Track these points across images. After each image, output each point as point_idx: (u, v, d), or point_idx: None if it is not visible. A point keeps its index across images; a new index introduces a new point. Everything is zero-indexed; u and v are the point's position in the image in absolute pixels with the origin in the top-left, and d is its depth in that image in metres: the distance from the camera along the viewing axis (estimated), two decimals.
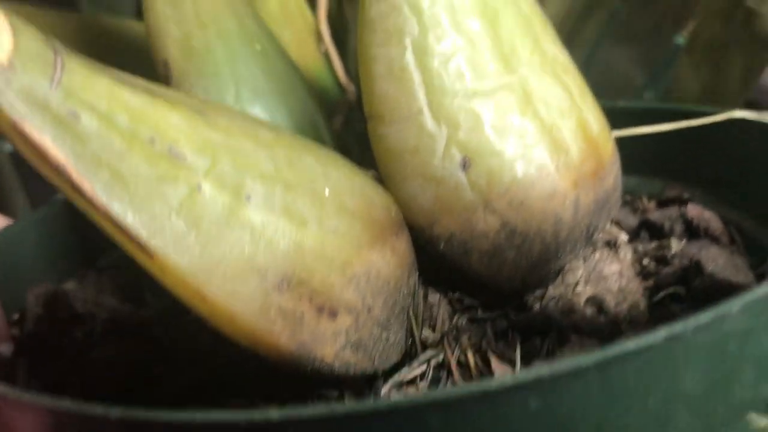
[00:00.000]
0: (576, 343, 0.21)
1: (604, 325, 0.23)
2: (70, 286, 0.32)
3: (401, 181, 0.23)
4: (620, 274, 0.25)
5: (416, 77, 0.22)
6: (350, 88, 0.33)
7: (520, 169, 0.22)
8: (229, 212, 0.17)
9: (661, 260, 0.27)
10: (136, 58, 0.33)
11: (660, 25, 0.45)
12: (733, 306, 0.15)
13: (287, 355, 0.18)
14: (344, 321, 0.19)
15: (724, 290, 0.23)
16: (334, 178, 0.20)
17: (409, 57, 0.22)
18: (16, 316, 0.29)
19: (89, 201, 0.15)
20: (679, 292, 0.24)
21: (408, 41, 0.22)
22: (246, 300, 0.17)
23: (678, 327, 0.14)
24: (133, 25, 0.35)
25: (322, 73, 0.34)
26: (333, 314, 0.19)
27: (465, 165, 0.22)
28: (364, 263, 0.20)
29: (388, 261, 0.20)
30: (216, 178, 0.17)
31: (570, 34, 0.46)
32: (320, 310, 0.19)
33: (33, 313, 0.28)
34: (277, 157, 0.19)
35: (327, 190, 0.19)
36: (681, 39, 0.45)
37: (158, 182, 0.16)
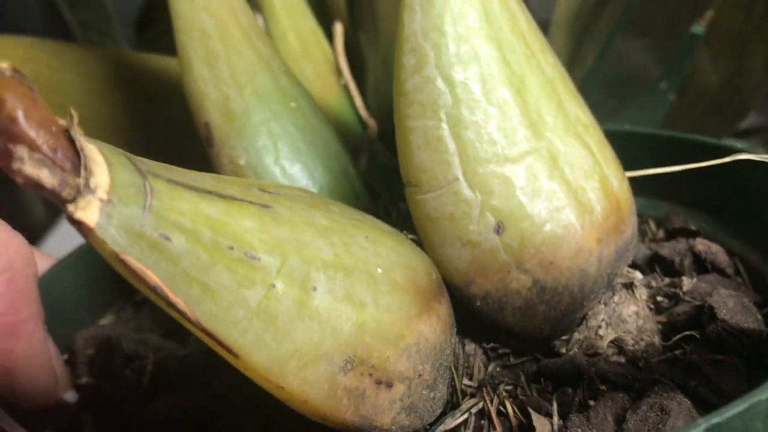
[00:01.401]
0: (608, 398, 0.23)
1: (627, 371, 0.24)
2: (107, 321, 0.34)
3: (439, 245, 0.24)
4: (637, 314, 0.27)
5: (451, 147, 0.24)
6: (371, 122, 0.35)
7: (549, 231, 0.24)
8: (300, 305, 0.19)
9: (674, 297, 0.28)
10: (166, 96, 0.35)
11: (676, 15, 0.45)
12: (762, 394, 0.17)
13: (351, 427, 0.20)
14: (399, 390, 0.21)
15: (736, 336, 0.25)
16: (383, 255, 0.22)
17: (444, 128, 0.24)
18: (64, 356, 0.31)
19: (183, 315, 0.17)
20: (693, 335, 0.26)
21: (443, 113, 0.24)
22: (316, 384, 0.19)
23: (715, 418, 0.16)
24: (156, 60, 0.36)
25: (343, 106, 0.35)
26: (389, 385, 0.21)
27: (499, 229, 0.24)
28: (414, 334, 0.21)
29: (434, 328, 0.22)
30: (286, 274, 0.19)
31: (585, 26, 0.45)
32: (378, 383, 0.20)
33: (83, 356, 0.30)
34: (335, 243, 0.20)
35: (379, 270, 0.21)
36: (699, 29, 0.44)
37: (238, 287, 0.18)
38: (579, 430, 0.22)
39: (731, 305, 0.26)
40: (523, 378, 0.25)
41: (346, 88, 0.36)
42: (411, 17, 0.24)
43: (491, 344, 0.26)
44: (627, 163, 0.29)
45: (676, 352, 0.26)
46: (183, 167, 0.31)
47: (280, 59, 0.29)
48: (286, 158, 0.27)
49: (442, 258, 0.24)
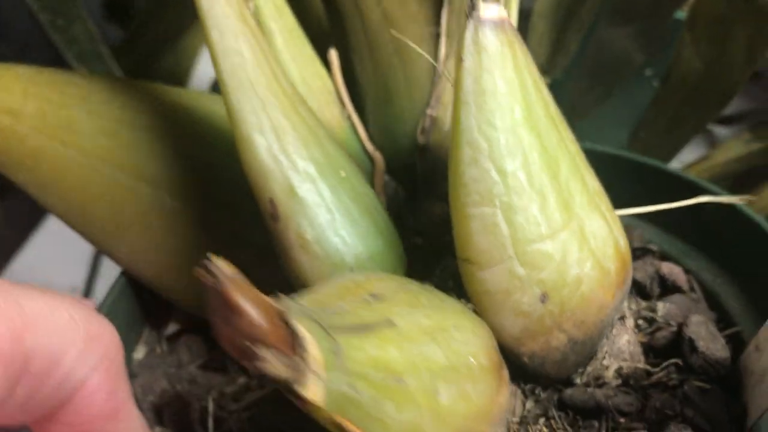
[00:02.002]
0: (626, 427, 0.29)
1: (634, 400, 0.30)
2: (140, 354, 0.36)
3: (494, 315, 0.28)
4: (629, 342, 0.33)
5: (505, 231, 0.28)
6: (377, 156, 0.37)
7: (580, 296, 0.29)
8: (434, 414, 0.22)
9: (651, 320, 0.34)
10: (199, 134, 0.35)
11: (659, 1, 0.46)
12: None
13: None
14: None
15: (713, 365, 0.31)
16: (471, 342, 0.25)
17: (499, 214, 0.27)
18: None
19: None
20: (678, 362, 0.32)
21: (497, 201, 0.27)
22: None
23: None
24: (177, 93, 0.36)
25: (349, 139, 0.37)
26: None
27: (544, 299, 0.28)
28: (497, 406, 0.26)
29: (505, 395, 0.27)
30: (422, 389, 0.22)
31: (567, 14, 0.46)
32: None
33: (146, 402, 0.32)
34: (441, 344, 0.24)
35: (471, 359, 0.25)
36: (682, 15, 0.45)
37: (398, 413, 0.21)
38: None
39: (704, 334, 0.32)
40: (553, 410, 0.30)
41: (349, 119, 0.38)
42: (467, 112, 0.27)
43: (528, 384, 0.31)
44: None
45: (660, 374, 0.32)
46: (232, 218, 0.33)
47: (322, 124, 0.31)
48: (345, 229, 0.29)
49: (497, 326, 0.28)
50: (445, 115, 0.35)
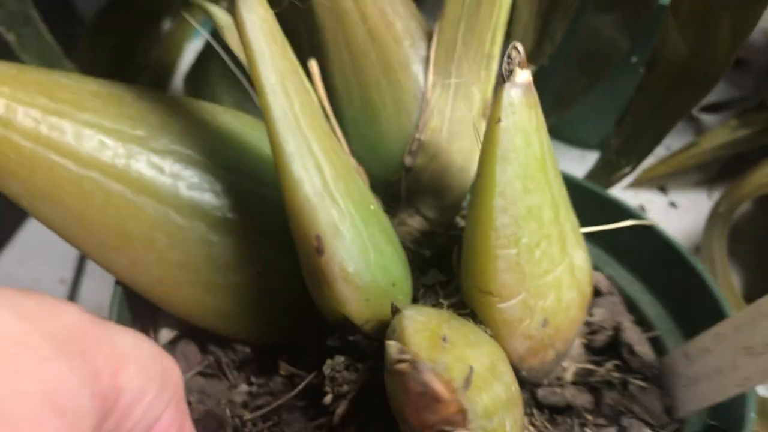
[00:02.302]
0: (593, 422, 0.35)
1: (594, 400, 0.37)
2: None
3: (508, 340, 0.33)
4: (579, 345, 0.39)
5: (525, 268, 0.32)
6: (360, 170, 0.39)
7: (568, 319, 0.34)
8: None
9: (588, 324, 0.41)
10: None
11: None
12: None
13: None
14: None
15: (647, 366, 0.38)
16: (509, 373, 0.30)
17: (522, 255, 0.32)
18: None
19: None
20: (618, 364, 0.39)
21: (521, 244, 0.32)
22: None
23: None
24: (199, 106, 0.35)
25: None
26: None
27: (545, 324, 0.33)
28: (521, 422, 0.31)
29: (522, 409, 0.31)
30: (501, 426, 0.26)
31: (552, 2, 0.46)
32: None
33: None
34: (498, 378, 0.28)
35: (513, 388, 0.29)
36: (665, 0, 0.44)
37: None
38: None
39: (636, 339, 0.39)
40: (531, 409, 0.36)
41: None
42: (503, 167, 0.31)
43: None
44: None
45: (603, 372, 0.38)
46: (239, 237, 0.34)
47: (347, 159, 0.33)
48: (378, 261, 0.32)
49: (508, 348, 0.33)
50: (432, 140, 0.38)
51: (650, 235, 0.43)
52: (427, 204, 0.40)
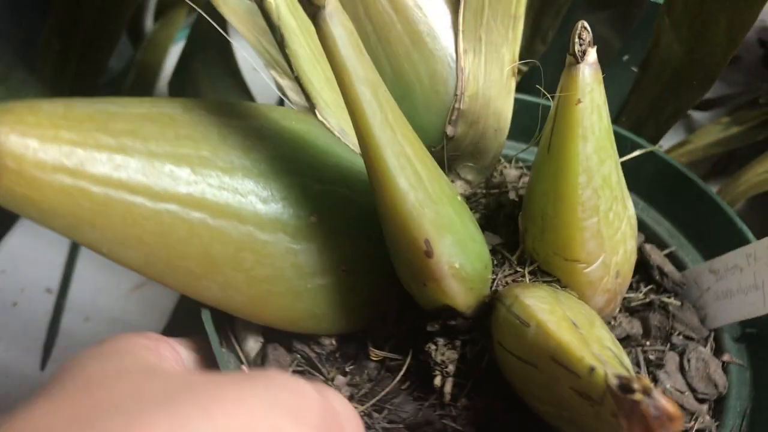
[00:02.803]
0: (650, 348, 0.39)
1: (639, 323, 0.40)
2: None
3: (592, 297, 0.35)
4: None
5: (604, 234, 0.34)
6: None
7: (630, 266, 0.37)
8: None
9: None
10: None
11: None
12: None
13: None
14: None
15: (677, 283, 0.42)
16: (607, 331, 0.33)
17: (601, 221, 0.34)
18: None
19: None
20: (652, 287, 0.43)
21: (600, 213, 0.34)
22: None
23: None
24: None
25: None
26: None
27: (617, 275, 0.36)
28: None
29: None
30: None
31: (544, 1, 0.46)
32: None
33: None
34: (589, 316, 0.31)
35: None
36: None
37: None
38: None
39: (661, 260, 0.43)
40: None
41: None
42: (584, 145, 0.32)
43: None
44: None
45: (641, 297, 0.42)
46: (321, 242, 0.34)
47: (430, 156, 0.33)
48: (477, 250, 0.33)
49: (592, 303, 0.36)
50: (470, 108, 0.38)
51: (651, 159, 0.46)
52: (467, 167, 0.41)
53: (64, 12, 0.56)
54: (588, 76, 0.31)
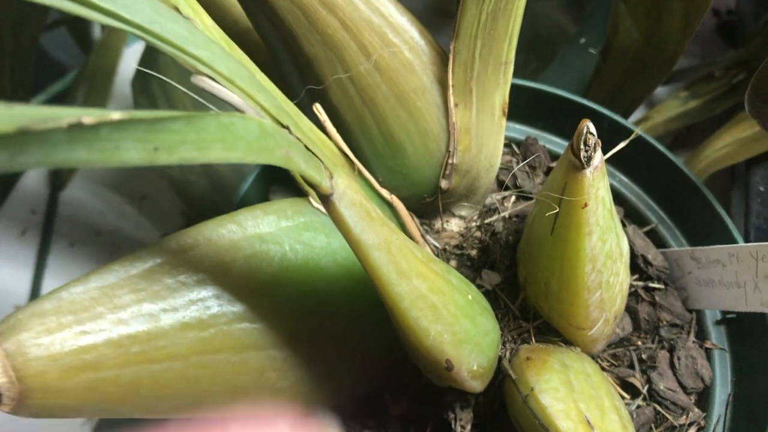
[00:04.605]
0: (643, 346, 0.42)
1: (629, 318, 0.43)
2: None
3: (593, 348, 0.37)
4: None
5: (605, 297, 0.35)
6: (396, 201, 0.38)
7: (624, 295, 0.39)
8: None
9: None
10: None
11: None
12: None
13: None
14: None
15: (661, 270, 0.44)
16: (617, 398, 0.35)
17: (603, 291, 0.35)
18: None
19: None
20: (640, 272, 0.45)
21: (603, 282, 0.35)
22: None
23: None
24: None
25: (368, 193, 0.37)
26: None
27: (615, 318, 0.38)
28: None
29: None
30: None
31: None
32: None
33: None
34: (598, 399, 0.34)
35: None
36: None
37: None
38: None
39: (644, 245, 0.45)
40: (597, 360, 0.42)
41: (359, 173, 0.37)
42: (591, 239, 0.33)
43: None
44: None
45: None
46: (331, 348, 0.35)
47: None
48: (487, 342, 0.34)
49: (593, 351, 0.38)
50: (464, 160, 0.37)
51: (628, 134, 0.46)
52: (460, 206, 0.40)
53: None
54: (594, 179, 0.31)
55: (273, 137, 0.23)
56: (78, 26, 0.69)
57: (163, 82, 0.52)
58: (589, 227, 0.32)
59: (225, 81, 0.23)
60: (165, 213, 0.63)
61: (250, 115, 0.23)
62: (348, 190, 0.27)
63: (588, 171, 0.30)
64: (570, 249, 0.32)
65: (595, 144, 0.30)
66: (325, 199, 0.26)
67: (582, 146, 0.30)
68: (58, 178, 0.67)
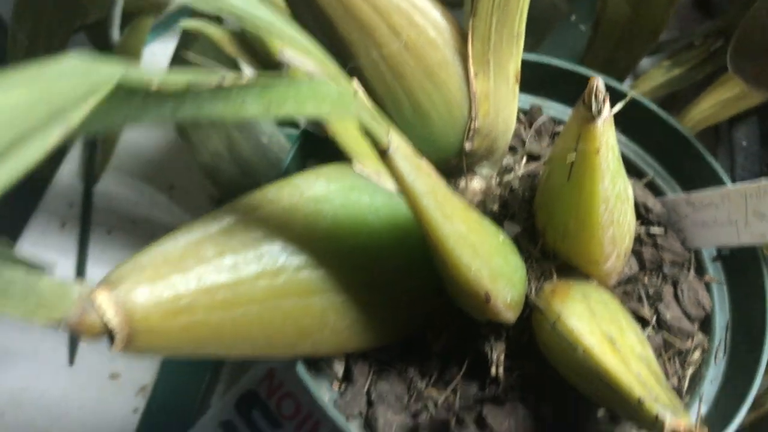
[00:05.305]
0: (649, 284, 0.47)
1: (634, 259, 0.48)
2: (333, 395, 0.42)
3: (607, 281, 0.42)
4: None
5: (616, 233, 0.40)
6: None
7: (631, 238, 0.44)
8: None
9: None
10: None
11: None
12: None
13: None
14: None
15: (659, 215, 0.49)
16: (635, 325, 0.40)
17: (615, 228, 0.40)
18: None
19: None
20: (641, 219, 0.49)
21: (614, 220, 0.40)
22: None
23: None
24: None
25: None
26: None
27: (625, 254, 0.43)
28: None
29: None
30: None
31: None
32: None
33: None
34: (617, 321, 0.39)
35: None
36: None
37: None
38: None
39: (642, 194, 0.50)
40: None
41: None
42: (604, 182, 0.37)
43: None
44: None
45: None
46: (385, 290, 0.40)
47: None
48: (518, 277, 0.39)
49: (610, 283, 0.43)
50: (484, 123, 0.42)
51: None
52: (481, 166, 0.45)
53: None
54: (604, 128, 0.36)
55: (348, 97, 0.27)
56: (97, 31, 0.73)
57: (196, 65, 0.57)
58: (601, 171, 0.36)
59: (303, 52, 0.27)
60: (193, 200, 0.67)
61: (327, 81, 0.28)
62: (402, 144, 0.32)
63: (599, 121, 0.35)
64: (586, 192, 0.37)
65: (604, 98, 0.35)
66: (383, 153, 0.31)
67: (593, 100, 0.35)
68: (91, 173, 0.71)
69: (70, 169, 0.72)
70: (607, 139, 0.36)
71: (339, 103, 0.27)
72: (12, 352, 0.62)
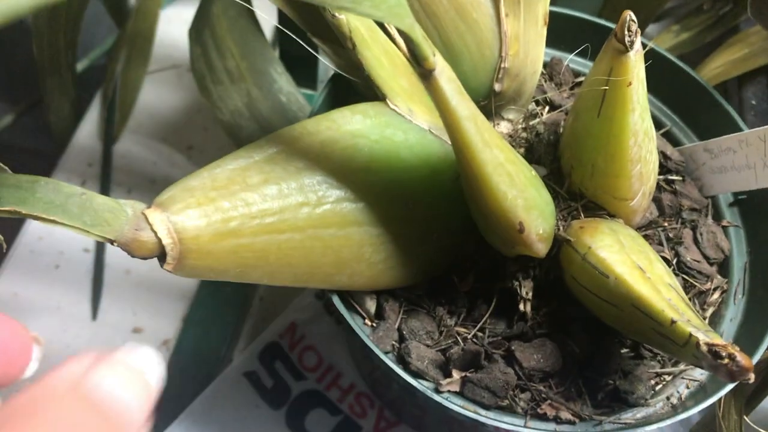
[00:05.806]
0: (669, 227, 0.48)
1: (654, 204, 0.49)
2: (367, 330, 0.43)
3: (633, 219, 0.43)
4: None
5: (643, 171, 0.41)
6: None
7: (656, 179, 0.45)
8: None
9: None
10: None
11: None
12: None
13: None
14: None
15: (678, 164, 0.50)
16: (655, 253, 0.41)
17: (642, 164, 0.41)
18: None
19: None
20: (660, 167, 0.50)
21: (641, 160, 0.41)
22: None
23: None
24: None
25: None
26: None
27: (650, 194, 0.44)
28: None
29: None
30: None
31: None
32: None
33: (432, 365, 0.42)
34: (645, 253, 0.40)
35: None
36: None
37: None
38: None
39: (662, 144, 0.51)
40: None
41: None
42: (634, 114, 0.38)
43: None
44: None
45: None
46: (421, 225, 0.40)
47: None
48: (549, 210, 0.39)
49: (634, 223, 0.44)
50: (514, 64, 0.43)
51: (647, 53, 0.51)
52: (509, 109, 0.46)
53: None
54: (635, 60, 0.37)
55: (404, 8, 0.28)
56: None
57: (214, 32, 0.57)
58: (632, 104, 0.37)
59: None
60: (211, 160, 0.68)
61: None
62: (447, 67, 0.32)
63: (632, 53, 0.36)
64: (616, 125, 0.38)
65: (636, 30, 0.36)
66: (428, 74, 0.32)
67: (626, 33, 0.36)
68: (110, 133, 0.71)
69: (89, 130, 0.73)
70: (638, 72, 0.37)
71: (396, 11, 0.27)
72: (36, 306, 0.63)
